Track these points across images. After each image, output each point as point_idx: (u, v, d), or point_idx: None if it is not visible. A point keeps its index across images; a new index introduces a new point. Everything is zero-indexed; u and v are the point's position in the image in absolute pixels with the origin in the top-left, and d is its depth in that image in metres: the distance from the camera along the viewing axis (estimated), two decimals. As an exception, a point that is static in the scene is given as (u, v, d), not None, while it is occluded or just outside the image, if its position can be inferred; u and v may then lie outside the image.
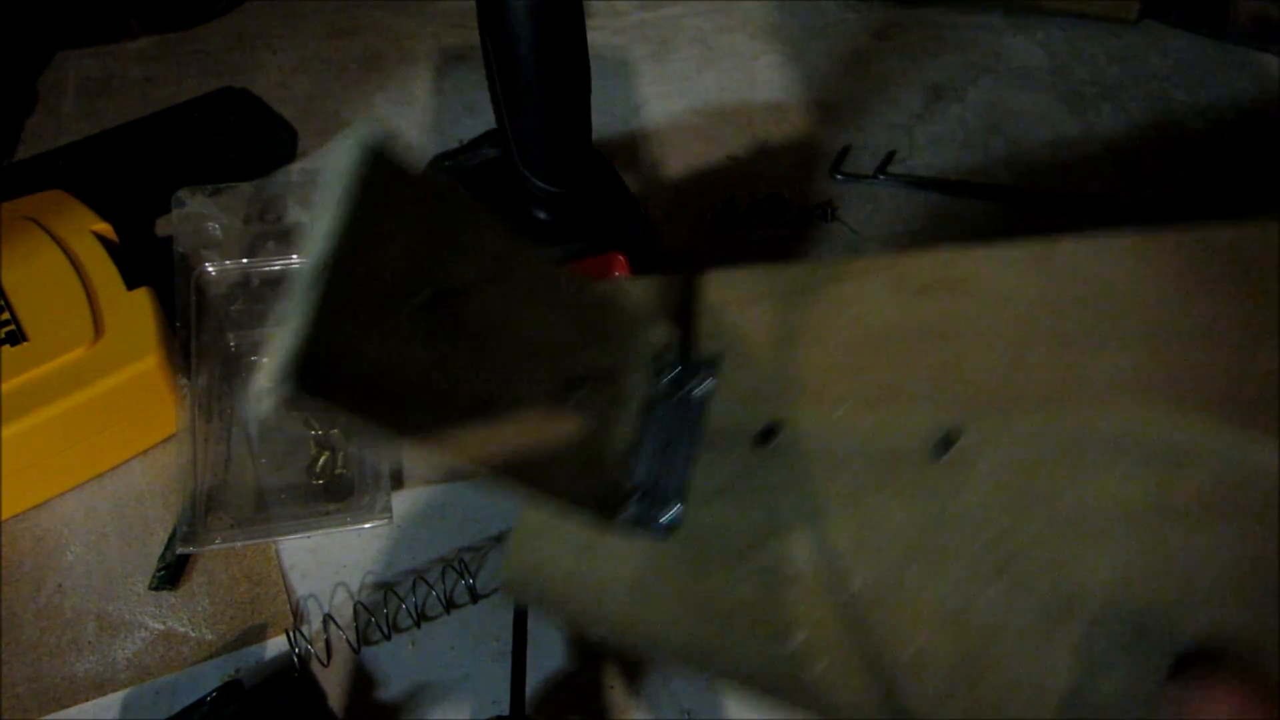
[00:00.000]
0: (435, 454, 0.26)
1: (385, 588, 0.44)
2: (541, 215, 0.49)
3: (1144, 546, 0.22)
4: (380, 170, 0.24)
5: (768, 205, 0.63)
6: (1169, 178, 0.67)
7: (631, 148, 0.69)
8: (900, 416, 0.28)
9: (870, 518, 0.27)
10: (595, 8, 0.82)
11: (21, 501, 0.47)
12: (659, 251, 0.54)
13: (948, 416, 0.27)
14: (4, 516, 0.47)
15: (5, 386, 0.44)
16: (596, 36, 0.65)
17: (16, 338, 0.46)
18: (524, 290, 0.29)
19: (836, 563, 0.27)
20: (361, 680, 0.42)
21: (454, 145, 0.65)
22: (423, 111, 0.72)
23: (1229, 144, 0.69)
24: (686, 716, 0.41)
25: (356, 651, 0.43)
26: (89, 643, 0.43)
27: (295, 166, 0.67)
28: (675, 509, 0.32)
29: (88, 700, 0.41)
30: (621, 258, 0.50)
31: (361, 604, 0.43)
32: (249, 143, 0.65)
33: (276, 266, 0.55)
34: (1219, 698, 0.19)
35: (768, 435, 0.31)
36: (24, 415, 0.44)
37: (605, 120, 0.67)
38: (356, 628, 0.42)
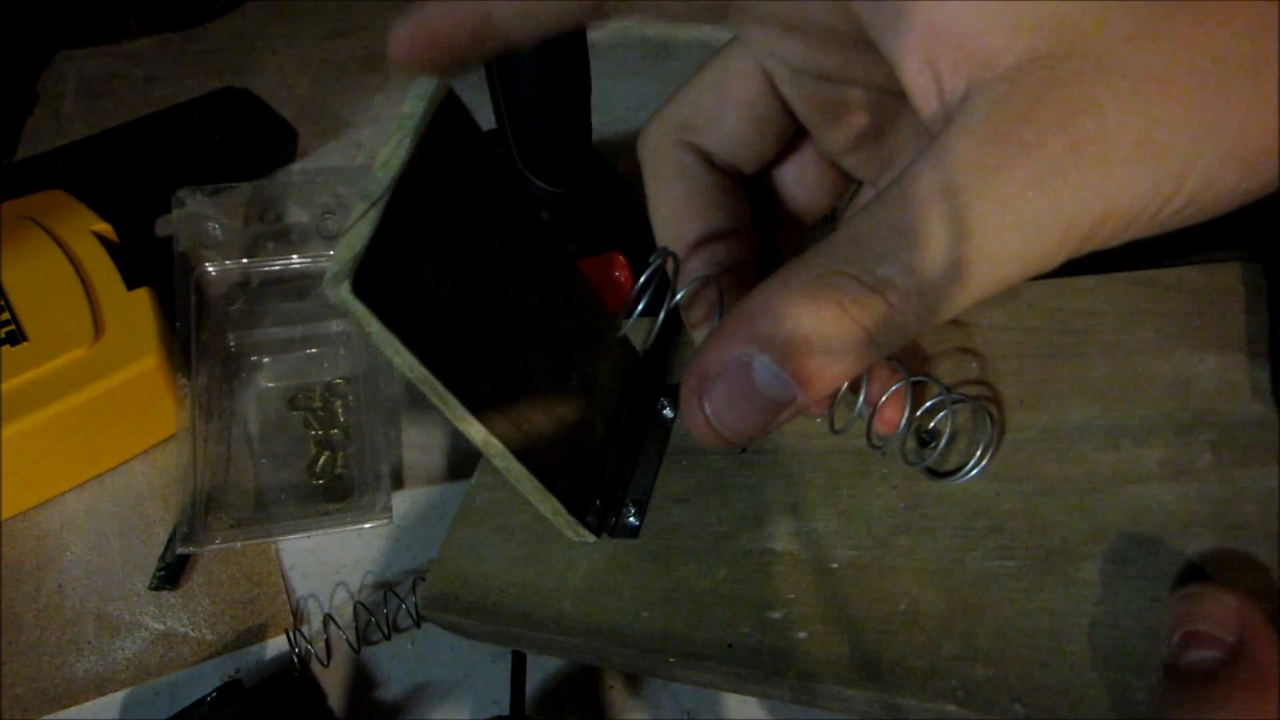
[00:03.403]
0: (448, 406, 0.27)
1: (385, 588, 0.44)
2: (541, 216, 0.49)
3: (1116, 505, 0.26)
4: (452, 120, 0.26)
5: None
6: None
7: (631, 148, 0.68)
8: None
9: (851, 504, 0.30)
10: (595, 8, 0.82)
11: (21, 501, 0.47)
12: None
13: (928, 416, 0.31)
14: (4, 516, 0.47)
15: (5, 386, 0.44)
16: (597, 37, 0.65)
17: (16, 338, 0.46)
18: (540, 271, 0.31)
19: (820, 542, 0.29)
20: (361, 680, 0.42)
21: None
22: (423, 111, 0.72)
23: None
24: (686, 717, 0.41)
25: (356, 651, 0.43)
26: (89, 643, 0.43)
27: (295, 166, 0.67)
28: (640, 511, 0.34)
29: (88, 700, 0.41)
30: (621, 258, 0.50)
31: (361, 604, 0.43)
32: (249, 143, 0.65)
33: (276, 266, 0.55)
34: (1219, 598, 0.22)
35: None
36: (24, 415, 0.44)
37: (605, 120, 0.67)
38: (356, 628, 0.42)
